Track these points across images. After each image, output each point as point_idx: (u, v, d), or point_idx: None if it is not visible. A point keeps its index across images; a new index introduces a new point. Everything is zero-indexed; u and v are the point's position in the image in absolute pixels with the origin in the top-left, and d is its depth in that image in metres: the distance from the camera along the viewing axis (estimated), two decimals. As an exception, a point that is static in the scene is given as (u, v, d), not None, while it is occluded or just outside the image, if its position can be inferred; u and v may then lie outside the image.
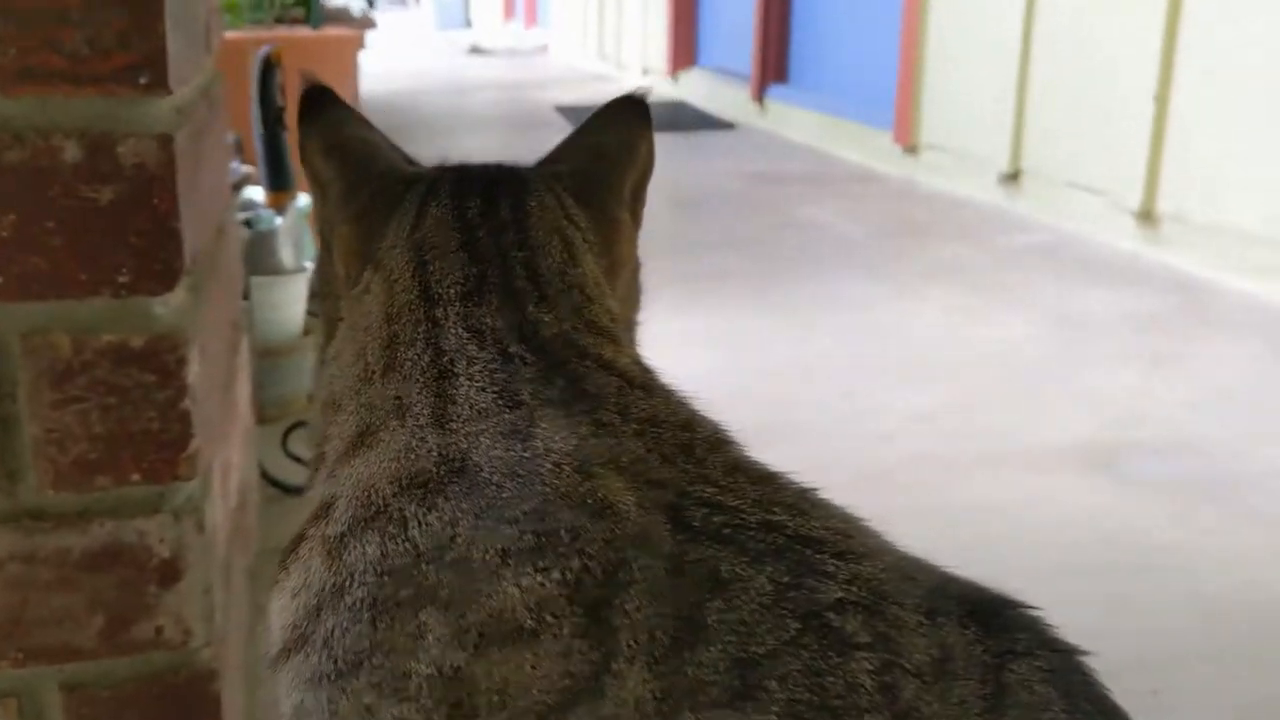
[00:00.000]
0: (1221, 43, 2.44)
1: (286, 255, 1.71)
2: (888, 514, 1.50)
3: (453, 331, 0.49)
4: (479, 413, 0.46)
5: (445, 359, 0.48)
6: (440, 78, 7.76)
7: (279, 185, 1.65)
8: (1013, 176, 3.18)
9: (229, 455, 1.00)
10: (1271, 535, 1.39)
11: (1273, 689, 1.08)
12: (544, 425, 0.46)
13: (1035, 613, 0.49)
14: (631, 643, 0.40)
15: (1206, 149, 2.49)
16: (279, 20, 2.56)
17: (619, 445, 0.46)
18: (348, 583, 0.43)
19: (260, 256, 1.63)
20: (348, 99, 2.02)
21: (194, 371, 0.81)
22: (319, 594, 0.43)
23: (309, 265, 1.82)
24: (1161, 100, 2.58)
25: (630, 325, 0.60)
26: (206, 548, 0.84)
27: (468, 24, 14.88)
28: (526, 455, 0.44)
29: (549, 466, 0.44)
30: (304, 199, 1.85)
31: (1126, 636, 1.17)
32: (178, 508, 0.81)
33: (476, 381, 0.48)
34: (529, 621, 0.40)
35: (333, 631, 0.42)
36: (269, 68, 1.62)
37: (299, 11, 3.25)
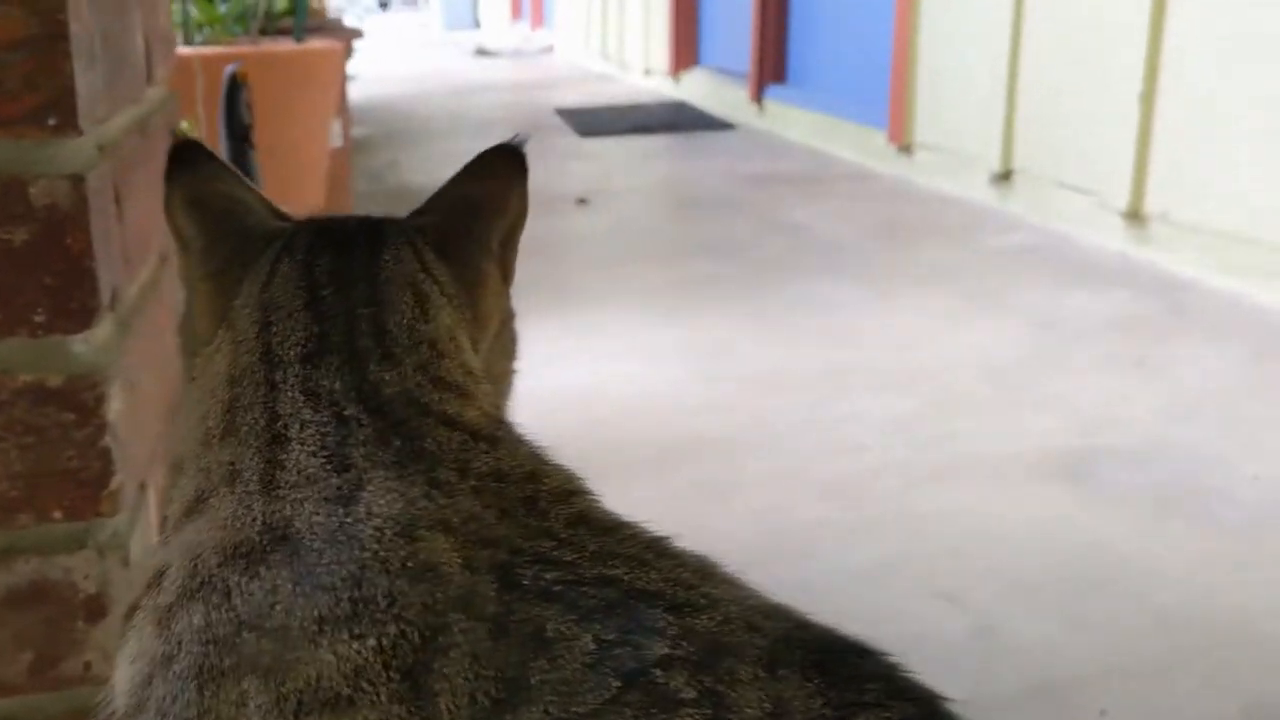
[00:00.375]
0: (1206, 42, 2.42)
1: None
2: (853, 526, 1.51)
3: (289, 395, 0.49)
4: (307, 478, 0.46)
5: (280, 424, 0.48)
6: (443, 79, 7.77)
7: (248, 203, 1.67)
8: (1004, 176, 3.16)
9: (170, 484, 1.00)
10: (1233, 546, 1.38)
11: (1221, 705, 1.08)
12: (371, 489, 0.46)
13: (890, 660, 0.49)
14: (451, 707, 0.40)
15: (1192, 148, 2.48)
16: (263, 33, 2.57)
17: (452, 504, 0.46)
18: (176, 651, 0.43)
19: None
20: (331, 108, 2.01)
21: (114, 409, 0.81)
22: (151, 662, 0.44)
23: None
24: (1147, 100, 2.56)
25: (502, 375, 0.60)
26: (133, 582, 0.85)
27: (476, 25, 14.90)
28: (349, 520, 0.45)
29: (370, 531, 0.44)
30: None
31: (1078, 652, 1.17)
32: (102, 544, 0.81)
33: (308, 446, 0.48)
34: (345, 689, 0.40)
35: (164, 699, 0.43)
36: (235, 86, 1.63)
37: (290, 21, 3.26)
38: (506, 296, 0.61)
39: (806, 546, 1.40)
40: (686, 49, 6.12)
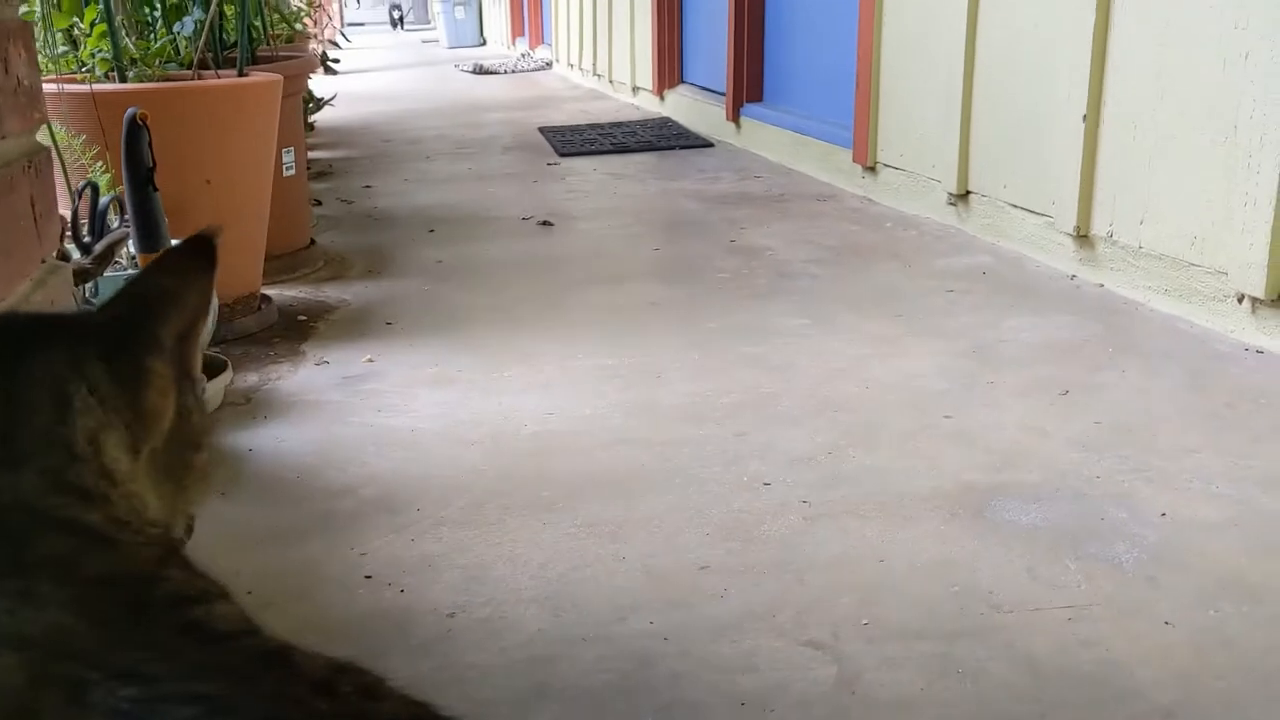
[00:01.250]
0: (1147, 64, 2.40)
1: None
2: (738, 570, 1.48)
3: None
4: None
5: None
6: (437, 98, 7.79)
7: (150, 247, 1.66)
8: (962, 197, 3.14)
9: None
10: (1124, 590, 1.35)
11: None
12: None
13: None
14: None
15: (1134, 170, 2.45)
16: (205, 66, 2.57)
17: (38, 617, 0.46)
18: None
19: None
20: (271, 139, 2.00)
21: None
22: None
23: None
24: (1091, 122, 2.54)
25: (186, 468, 0.59)
26: None
27: (482, 42, 14.97)
28: None
29: None
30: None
31: (936, 707, 1.15)
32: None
33: None
34: None
35: None
36: (135, 128, 1.63)
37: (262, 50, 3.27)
38: (186, 391, 0.60)
39: (686, 592, 1.38)
40: (670, 67, 6.12)
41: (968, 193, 3.12)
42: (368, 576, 1.44)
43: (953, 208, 3.20)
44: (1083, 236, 2.62)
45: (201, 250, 0.60)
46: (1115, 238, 2.52)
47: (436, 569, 1.46)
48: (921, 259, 2.91)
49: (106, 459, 0.53)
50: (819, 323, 2.42)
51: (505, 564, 1.46)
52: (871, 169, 3.67)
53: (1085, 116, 2.54)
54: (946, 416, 1.89)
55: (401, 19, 21.47)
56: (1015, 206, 2.90)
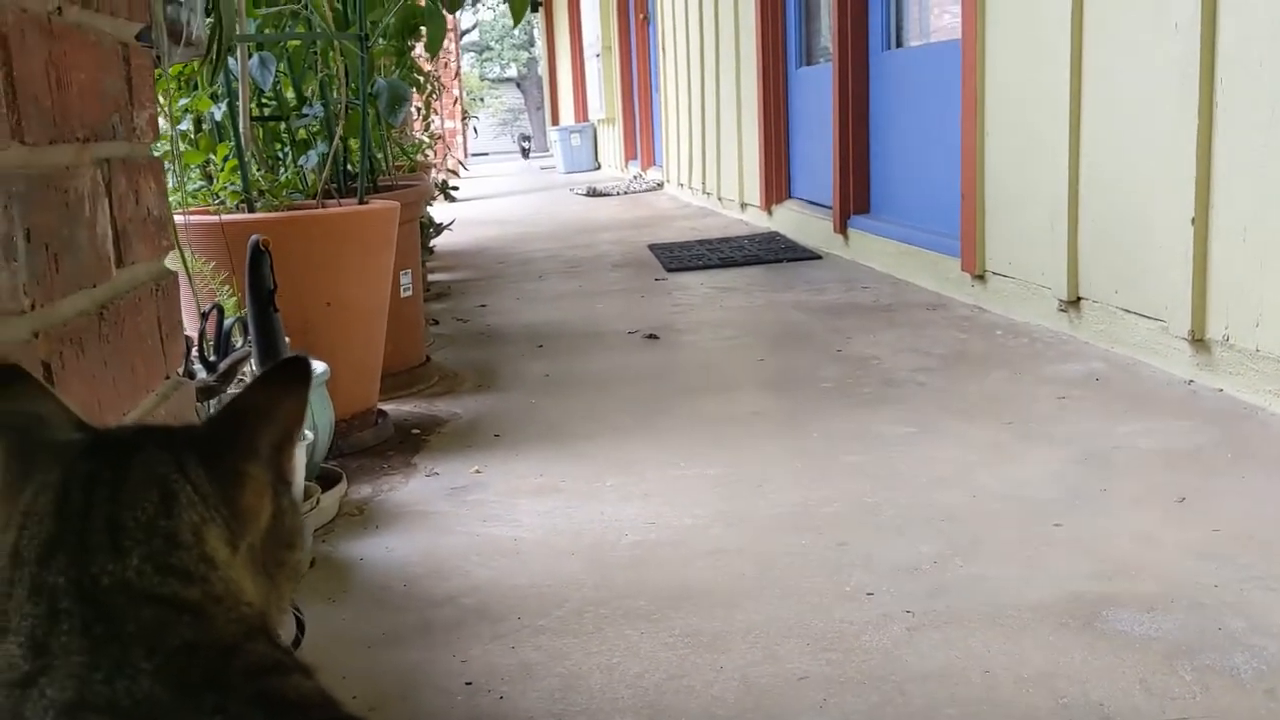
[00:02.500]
0: (1253, 163, 2.36)
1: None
2: (837, 682, 1.47)
3: (19, 593, 0.55)
4: (8, 665, 0.52)
5: (5, 620, 0.54)
6: (551, 220, 8.04)
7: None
8: (1073, 303, 3.10)
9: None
10: (1239, 700, 1.29)
11: None
12: (52, 674, 0.51)
13: None
14: None
15: (1247, 272, 2.39)
16: (329, 195, 2.73)
17: (129, 686, 0.51)
18: None
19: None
20: (387, 263, 2.11)
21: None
22: None
23: (308, 435, 1.90)
24: (1200, 224, 2.50)
25: (281, 564, 0.63)
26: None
27: (597, 166, 15.45)
28: (23, 702, 0.50)
29: (35, 712, 0.50)
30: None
31: (1038, 821, 1.11)
32: None
33: (19, 637, 0.53)
34: None
35: None
36: (258, 253, 1.74)
37: (385, 179, 3.45)
38: (283, 494, 0.64)
39: (782, 704, 1.37)
40: (778, 183, 6.23)
41: (1079, 299, 3.08)
42: (468, 683, 1.46)
43: (1064, 314, 3.15)
44: (1198, 340, 2.56)
45: (295, 369, 0.65)
46: (1231, 341, 2.45)
47: (534, 676, 1.47)
48: (1032, 366, 2.87)
49: (207, 548, 0.58)
50: (925, 430, 2.40)
51: (602, 673, 1.47)
52: (980, 277, 3.65)
53: (1193, 219, 2.51)
54: (1056, 525, 1.85)
55: (529, 149, 22.45)
56: (1128, 311, 2.85)
